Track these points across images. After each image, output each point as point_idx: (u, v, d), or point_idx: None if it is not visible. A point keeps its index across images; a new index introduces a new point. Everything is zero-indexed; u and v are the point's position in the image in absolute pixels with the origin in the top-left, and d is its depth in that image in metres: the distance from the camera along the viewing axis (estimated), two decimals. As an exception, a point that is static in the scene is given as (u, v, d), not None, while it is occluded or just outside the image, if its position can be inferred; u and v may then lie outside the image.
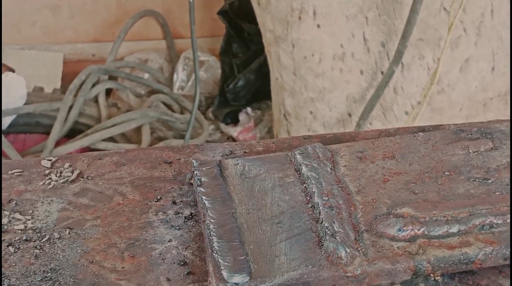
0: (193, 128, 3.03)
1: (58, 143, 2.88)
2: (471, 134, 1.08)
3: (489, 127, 1.10)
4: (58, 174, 1.07)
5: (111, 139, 2.94)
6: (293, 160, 1.03)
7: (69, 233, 0.98)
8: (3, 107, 2.96)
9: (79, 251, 0.95)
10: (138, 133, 2.97)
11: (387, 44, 2.34)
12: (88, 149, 2.80)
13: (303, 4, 2.33)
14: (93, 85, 3.11)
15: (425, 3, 2.19)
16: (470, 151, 1.04)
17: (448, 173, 1.01)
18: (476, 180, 1.00)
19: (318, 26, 2.35)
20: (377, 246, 0.90)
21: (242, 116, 3.28)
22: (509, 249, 0.90)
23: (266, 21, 2.47)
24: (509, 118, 1.13)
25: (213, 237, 0.91)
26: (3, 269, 0.92)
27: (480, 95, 2.40)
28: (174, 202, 1.03)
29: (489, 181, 0.99)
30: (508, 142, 1.06)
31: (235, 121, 3.30)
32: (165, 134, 3.06)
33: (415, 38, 2.28)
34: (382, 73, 2.35)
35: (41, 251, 0.95)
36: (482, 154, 1.04)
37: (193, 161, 1.04)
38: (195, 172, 1.02)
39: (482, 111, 2.42)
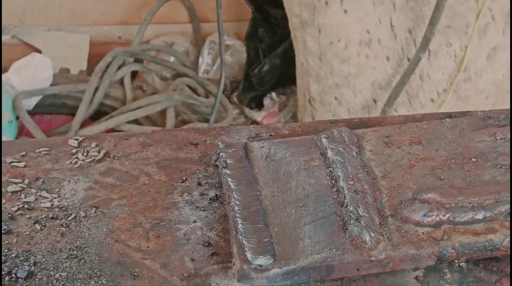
0: (218, 112, 3.03)
1: (83, 125, 2.89)
2: (499, 121, 1.07)
3: (517, 114, 1.09)
4: (85, 154, 1.08)
5: (136, 121, 2.95)
6: (319, 144, 1.03)
7: (95, 212, 0.98)
8: (29, 88, 2.98)
9: (105, 230, 0.96)
10: (163, 116, 2.98)
11: (414, 31, 2.32)
12: (113, 131, 2.81)
13: (330, -11, 2.32)
14: (119, 68, 3.12)
15: (454, -10, 2.17)
16: (497, 138, 1.04)
17: (474, 160, 1.00)
18: (503, 167, 0.99)
19: (345, 11, 2.34)
20: (402, 231, 0.90)
21: (266, 101, 3.27)
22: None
23: (293, 6, 2.47)
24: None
25: (237, 219, 0.91)
26: (29, 246, 0.93)
27: (507, 83, 2.38)
28: (199, 184, 1.03)
29: (516, 168, 0.99)
30: None
31: (259, 106, 3.30)
32: (190, 118, 3.07)
33: (442, 25, 2.26)
34: (408, 59, 2.34)
35: (67, 229, 0.96)
36: (509, 141, 1.03)
37: (219, 143, 1.04)
38: (221, 154, 1.02)
39: (509, 100, 2.40)
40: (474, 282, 0.88)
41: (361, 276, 0.89)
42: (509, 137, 1.04)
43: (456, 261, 0.90)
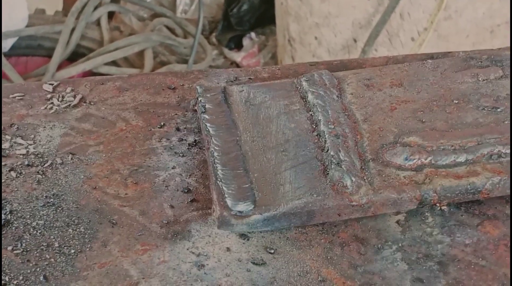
0: (196, 53, 2.99)
1: (60, 67, 2.85)
2: (481, 62, 1.06)
3: (500, 54, 1.07)
4: (60, 99, 1.06)
5: (113, 63, 2.90)
6: (299, 87, 1.02)
7: (71, 158, 0.97)
8: (4, 29, 2.92)
9: (82, 177, 0.94)
10: (141, 57, 2.94)
11: (395, -31, 2.28)
12: (90, 73, 2.77)
13: None
14: (95, 8, 3.06)
15: None
16: (480, 79, 1.02)
17: (456, 102, 0.99)
18: (485, 108, 0.98)
19: (325, -51, 2.30)
20: (383, 175, 0.89)
21: (246, 41, 3.24)
22: (517, 180, 0.89)
23: None
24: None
25: (217, 165, 0.90)
26: (5, 194, 0.91)
27: (488, 21, 2.36)
28: (177, 129, 1.01)
29: (498, 109, 0.97)
30: None
31: (238, 46, 3.26)
32: (168, 59, 3.03)
33: (423, -37, 2.23)
34: (389, -2, 2.31)
35: (44, 177, 0.94)
36: (491, 82, 1.02)
37: (197, 87, 1.02)
38: (199, 99, 1.00)
39: (489, 38, 2.38)
40: (456, 225, 0.88)
41: (342, 221, 0.88)
42: (491, 78, 1.03)
43: (437, 204, 0.89)
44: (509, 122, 0.95)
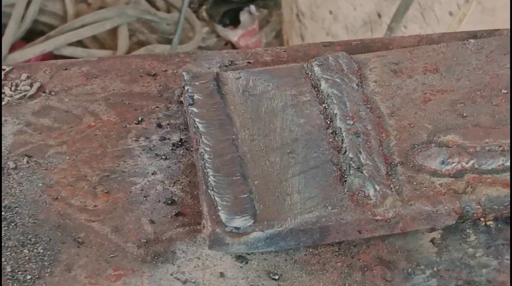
0: (183, 30, 3.00)
1: (13, 47, 2.86)
2: (536, 42, 1.07)
3: (559, 33, 1.08)
4: (13, 88, 1.07)
5: (79, 43, 2.92)
6: (310, 73, 1.02)
7: (27, 162, 0.97)
8: None
9: (40, 185, 0.95)
10: (114, 36, 2.95)
11: None
12: (51, 55, 2.78)
13: None
14: (57, -25, 3.08)
15: None
16: (534, 63, 1.03)
17: (505, 91, 1.00)
18: (541, 100, 0.99)
19: None
20: (415, 183, 0.89)
21: (244, 16, 3.25)
22: None
23: None
24: None
25: (208, 170, 0.90)
26: None
27: (545, -8, 2.37)
28: (159, 125, 1.02)
29: (557, 102, 0.98)
30: None
31: (235, 23, 3.28)
32: (147, 38, 3.04)
33: None
34: (421, -38, 2.32)
35: (-7, 185, 0.95)
36: (549, 67, 1.03)
37: (184, 73, 1.03)
38: (186, 88, 1.00)
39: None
40: (505, 245, 0.88)
41: (363, 240, 0.89)
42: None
43: (482, 219, 0.89)
44: None
